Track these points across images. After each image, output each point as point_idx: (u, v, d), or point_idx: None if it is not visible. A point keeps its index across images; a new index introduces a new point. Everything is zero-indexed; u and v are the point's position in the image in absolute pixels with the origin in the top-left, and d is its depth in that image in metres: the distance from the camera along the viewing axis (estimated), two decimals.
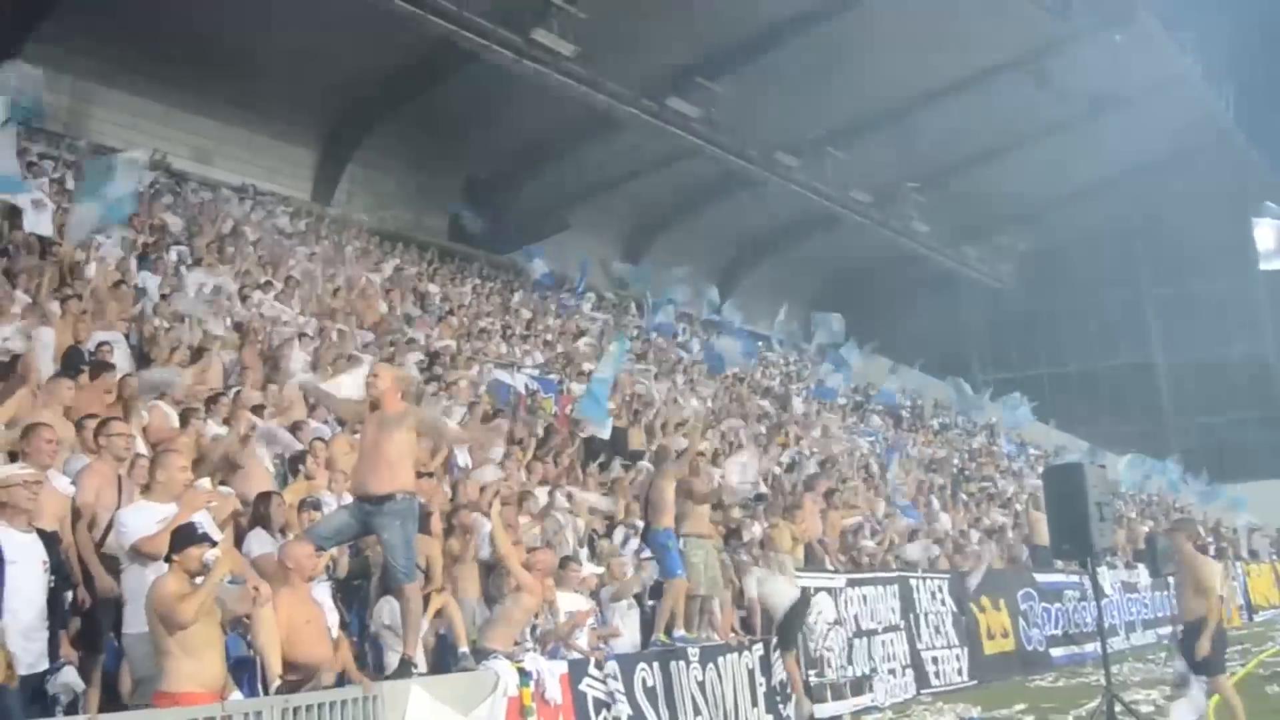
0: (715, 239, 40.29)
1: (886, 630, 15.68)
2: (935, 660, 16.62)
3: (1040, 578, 20.16)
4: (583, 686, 10.37)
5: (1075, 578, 20.32)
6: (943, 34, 30.41)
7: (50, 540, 7.23)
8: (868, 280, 45.53)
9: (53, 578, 7.13)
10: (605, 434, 17.38)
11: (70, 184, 17.86)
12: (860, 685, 14.66)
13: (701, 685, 11.95)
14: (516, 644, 10.07)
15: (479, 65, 26.75)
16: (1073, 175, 40.06)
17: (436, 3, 24.35)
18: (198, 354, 12.98)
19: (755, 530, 15.52)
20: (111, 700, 7.58)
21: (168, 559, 7.21)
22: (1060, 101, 34.72)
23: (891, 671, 15.52)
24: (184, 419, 10.56)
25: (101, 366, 10.90)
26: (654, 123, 30.64)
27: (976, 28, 30.57)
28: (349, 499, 9.28)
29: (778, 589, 13.52)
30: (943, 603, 17.31)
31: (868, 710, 14.48)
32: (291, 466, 11.29)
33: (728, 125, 31.78)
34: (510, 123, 29.95)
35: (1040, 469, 29.19)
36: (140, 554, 7.63)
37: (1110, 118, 35.81)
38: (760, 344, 34.32)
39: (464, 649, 9.53)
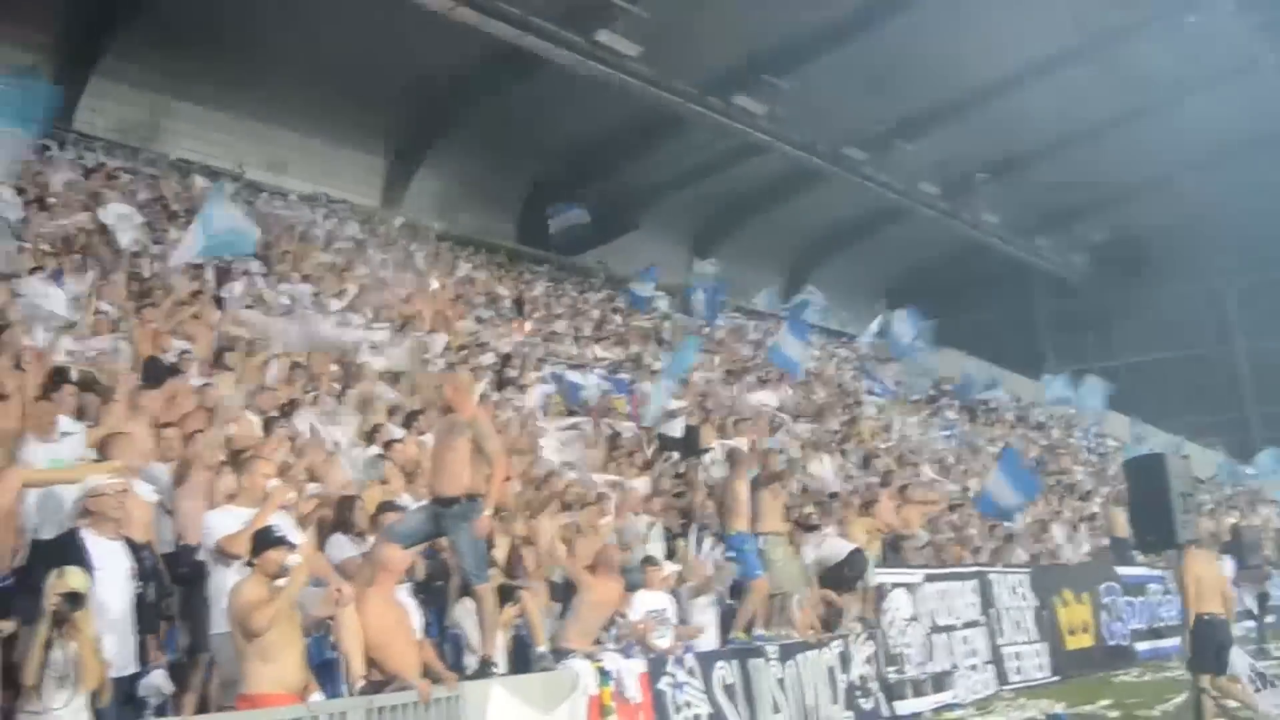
0: (784, 236, 40.08)
1: (966, 626, 15.51)
2: (1016, 656, 16.41)
3: (1123, 571, 19.84)
4: (662, 685, 10.37)
5: (1158, 571, 19.98)
6: (1011, 21, 29.99)
7: (136, 548, 7.38)
8: (938, 273, 45.02)
9: (139, 584, 7.27)
10: (676, 432, 17.39)
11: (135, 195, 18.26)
12: (941, 682, 14.53)
13: (781, 682, 11.91)
14: (597, 643, 10.09)
15: (544, 68, 26.87)
16: (1148, 163, 39.25)
17: (501, 7, 24.49)
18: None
19: (830, 528, 15.46)
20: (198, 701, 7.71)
21: (249, 563, 7.33)
22: (1133, 87, 34.11)
23: (972, 668, 15.35)
24: (267, 427, 10.72)
25: (180, 375, 11.10)
26: (720, 120, 30.56)
27: (1045, 14, 30.09)
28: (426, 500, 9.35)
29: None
30: (1023, 598, 17.09)
31: (949, 707, 14.34)
32: (367, 470, 11.39)
33: (794, 121, 31.61)
34: (577, 124, 30.07)
35: (1118, 461, 28.76)
36: (222, 554, 7.77)
37: (1185, 103, 35.10)
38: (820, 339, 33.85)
39: (543, 649, 9.57)
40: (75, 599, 6.27)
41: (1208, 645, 11.36)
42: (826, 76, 30.19)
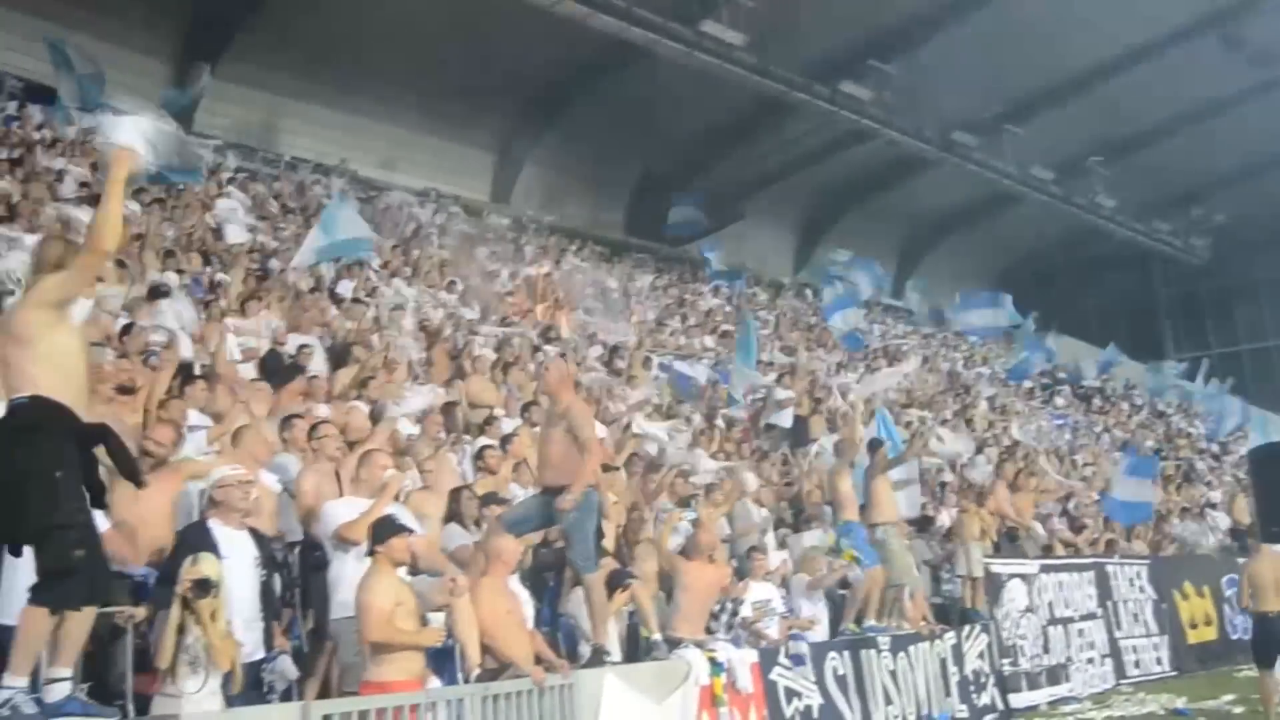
0: (892, 223, 39.66)
1: (1084, 618, 15.26)
2: (1134, 649, 16.12)
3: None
4: (773, 675, 10.39)
5: None
6: None
7: (260, 537, 7.60)
8: (1053, 259, 44.18)
9: (264, 572, 7.49)
10: (786, 422, 17.35)
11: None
12: (1056, 674, 14.33)
13: (893, 674, 11.86)
14: (709, 632, 10.13)
15: (650, 60, 26.93)
16: (1271, 141, 38.02)
17: (606, 1, 24.61)
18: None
19: (944, 518, 15.33)
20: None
21: (371, 552, 7.49)
22: (1255, 64, 33.05)
23: (1089, 661, 15.11)
24: (375, 418, 10.89)
25: (300, 370, 11.39)
26: (827, 108, 30.32)
27: None
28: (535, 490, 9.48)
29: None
30: (1141, 590, 16.75)
31: (1064, 701, 14.14)
32: (475, 462, 11.53)
33: (902, 107, 31.23)
34: (682, 115, 30.07)
35: (1242, 449, 27.95)
36: (342, 540, 7.97)
37: None
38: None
39: (656, 637, 9.65)
40: (207, 585, 6.49)
41: (1267, 642, 11.96)
42: (934, 60, 29.75)
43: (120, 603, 6.39)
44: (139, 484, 5.96)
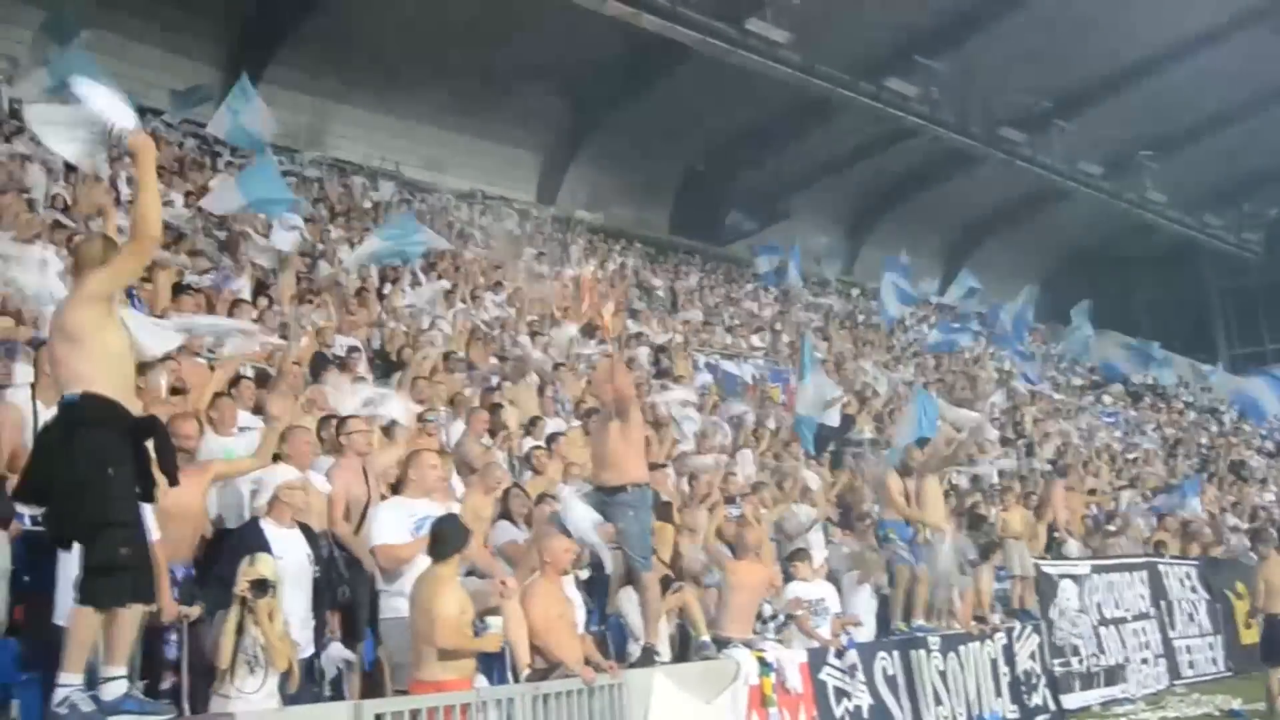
0: (939, 220, 39.40)
1: (1137, 618, 15.10)
2: (1188, 649, 15.92)
3: None
4: (823, 675, 10.34)
5: None
6: None
7: (311, 534, 7.65)
8: (1103, 255, 43.73)
9: (316, 568, 7.55)
10: (833, 421, 17.25)
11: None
12: (1111, 675, 14.19)
13: (943, 674, 11.76)
14: (756, 633, 10.10)
15: (695, 58, 26.94)
16: None
17: (652, 0, 24.64)
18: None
19: (993, 514, 15.22)
20: (370, 686, 7.93)
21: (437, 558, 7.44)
22: None
23: (1144, 661, 14.95)
24: (420, 418, 10.93)
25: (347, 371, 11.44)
26: (872, 105, 30.22)
27: None
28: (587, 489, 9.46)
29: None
30: (1194, 589, 16.55)
31: (1118, 701, 13.99)
32: (525, 462, 11.57)
33: (949, 103, 31.09)
34: (727, 113, 30.06)
35: None
36: (392, 560, 7.92)
37: None
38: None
39: (705, 638, 9.63)
40: (264, 585, 6.56)
41: (1276, 640, 12.50)
42: (981, 56, 29.58)
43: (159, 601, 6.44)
44: (174, 482, 6.00)
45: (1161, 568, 16.16)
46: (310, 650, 7.41)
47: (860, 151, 33.42)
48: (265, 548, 6.98)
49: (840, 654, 10.60)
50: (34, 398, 7.55)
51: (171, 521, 7.13)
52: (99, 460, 5.47)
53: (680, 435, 14.16)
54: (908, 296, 25.03)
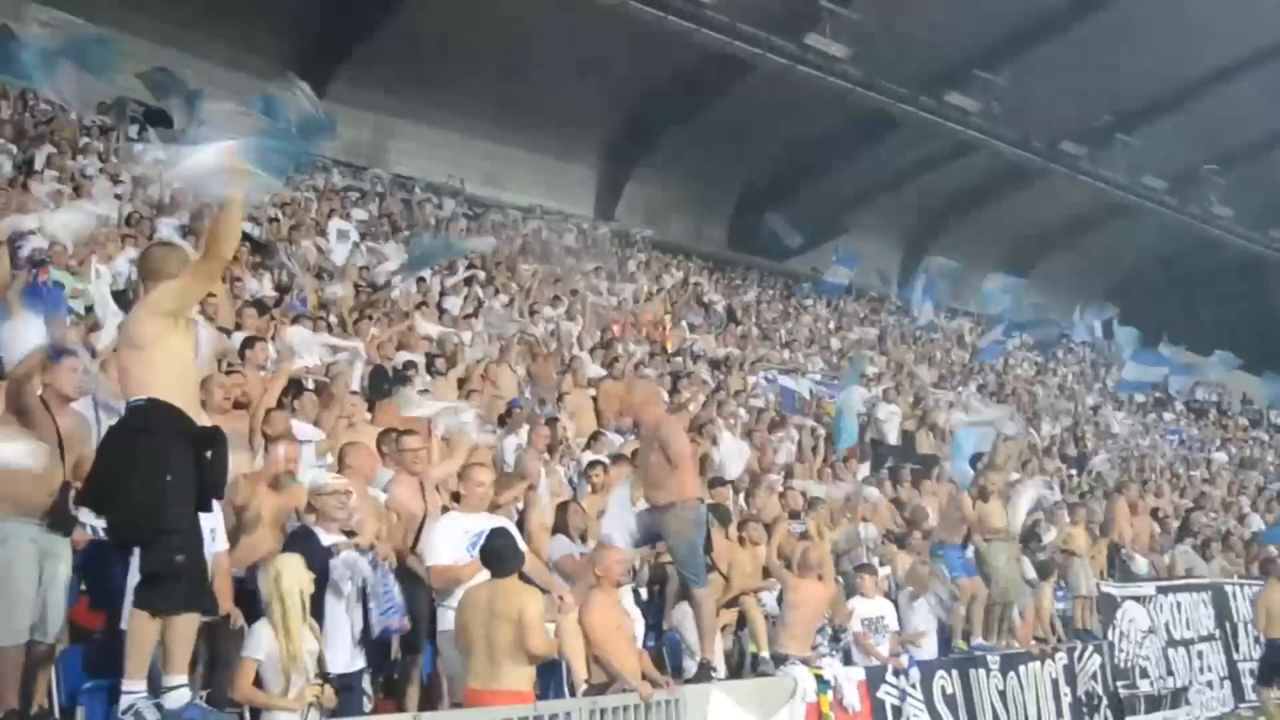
0: (1000, 236, 38.99)
1: (1202, 640, 14.86)
2: (1253, 672, 15.60)
3: None
4: (881, 694, 10.27)
5: None
6: (1236, 3, 28.55)
7: (360, 548, 7.68)
8: (1167, 270, 43.17)
9: (358, 582, 7.57)
10: (891, 438, 17.18)
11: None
12: (1176, 698, 13.97)
13: (1002, 694, 11.63)
14: (814, 649, 10.05)
15: (753, 73, 26.96)
16: None
17: (709, 16, 24.71)
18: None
19: (1052, 533, 15.04)
20: (428, 700, 7.96)
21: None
22: None
23: (1208, 684, 14.70)
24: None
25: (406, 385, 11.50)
26: (932, 119, 30.10)
27: None
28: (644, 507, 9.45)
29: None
30: None
31: None
32: (583, 476, 11.57)
33: (1009, 117, 30.86)
34: (786, 128, 30.01)
35: None
36: (447, 582, 7.94)
37: None
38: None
39: (764, 654, 9.60)
40: (285, 594, 6.53)
41: (1275, 664, 12.94)
42: (1041, 70, 29.33)
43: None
44: (219, 497, 6.07)
45: (1228, 588, 15.88)
46: (358, 664, 7.43)
47: (919, 166, 33.24)
48: (315, 553, 7.00)
49: (899, 673, 10.52)
50: (95, 406, 7.65)
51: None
52: (157, 467, 5.53)
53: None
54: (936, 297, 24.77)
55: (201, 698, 6.15)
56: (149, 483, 5.51)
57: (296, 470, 7.99)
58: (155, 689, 5.77)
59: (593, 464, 11.31)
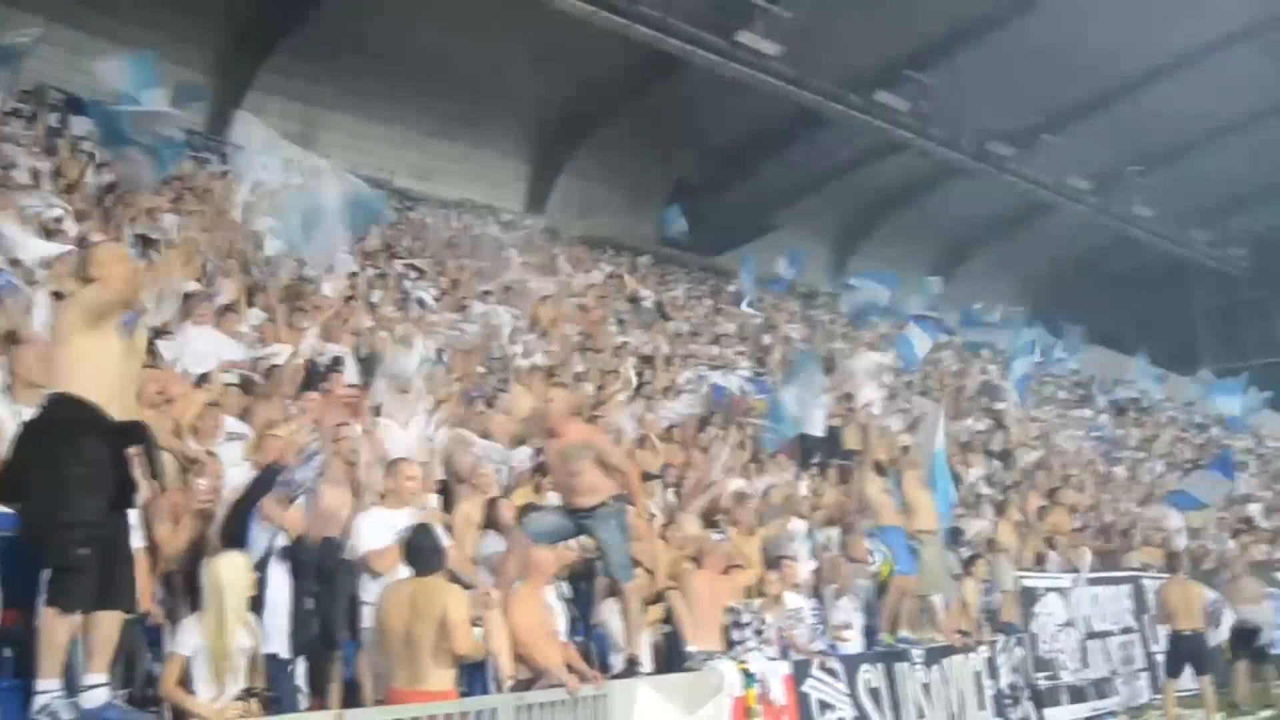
0: (928, 234, 39.49)
1: (1123, 632, 15.15)
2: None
3: None
4: (806, 688, 10.35)
5: None
6: (1163, 7, 29.10)
7: (293, 540, 7.63)
8: (1090, 270, 43.93)
9: (293, 576, 7.53)
10: (818, 430, 17.22)
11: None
12: (1098, 689, 14.24)
13: (926, 687, 11.78)
14: (738, 644, 10.09)
15: (685, 70, 27.02)
16: None
17: (642, 11, 24.73)
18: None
19: (974, 527, 15.26)
20: (352, 696, 7.90)
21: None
22: None
23: (1131, 675, 15.01)
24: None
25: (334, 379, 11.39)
26: (862, 118, 30.33)
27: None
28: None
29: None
30: None
31: (1103, 715, 14.04)
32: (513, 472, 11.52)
33: (938, 117, 31.21)
34: (718, 125, 30.15)
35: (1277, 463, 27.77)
36: (372, 571, 7.93)
37: None
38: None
39: (691, 648, 9.64)
40: (231, 591, 6.47)
41: (1176, 655, 13.78)
42: (970, 70, 29.67)
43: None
44: (162, 488, 6.02)
45: (1145, 582, 16.19)
46: (286, 654, 7.39)
47: (849, 165, 33.53)
48: (247, 545, 6.95)
49: (825, 667, 10.61)
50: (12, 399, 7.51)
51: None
52: (63, 459, 5.47)
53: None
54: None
55: (121, 697, 6.07)
56: (54, 475, 5.45)
57: (216, 500, 7.91)
58: (74, 688, 5.68)
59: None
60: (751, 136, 31.59)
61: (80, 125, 18.13)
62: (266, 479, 7.56)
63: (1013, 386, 24.61)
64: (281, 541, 7.46)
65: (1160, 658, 15.14)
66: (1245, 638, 14.30)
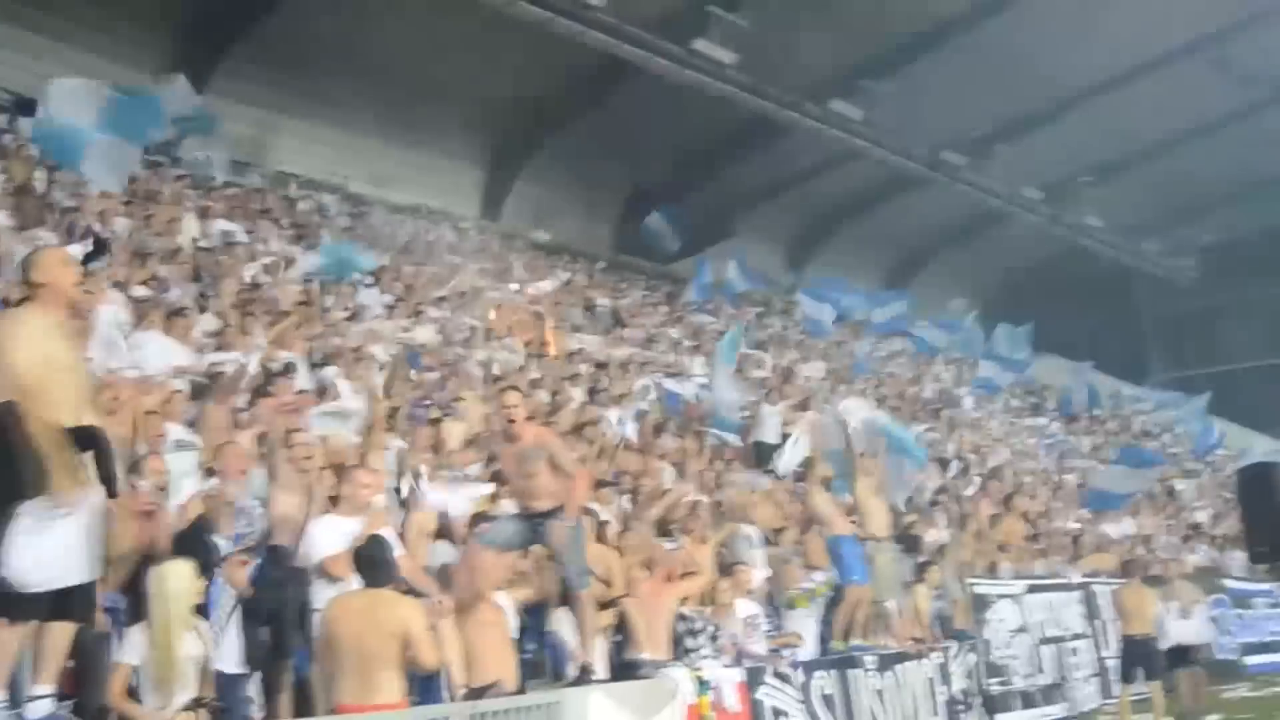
0: (882, 242, 39.75)
1: (1075, 638, 15.28)
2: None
3: (1231, 584, 19.33)
4: (760, 695, 10.37)
5: (1266, 584, 19.40)
6: (1115, 21, 29.47)
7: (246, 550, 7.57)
8: (1040, 278, 44.36)
9: (247, 587, 7.46)
10: (773, 437, 17.29)
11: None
12: (1051, 694, 14.36)
13: (880, 693, 11.83)
14: (691, 652, 10.09)
15: (642, 77, 27.04)
16: (1257, 163, 38.19)
17: (598, 18, 24.72)
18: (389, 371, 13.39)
19: (931, 535, 15.35)
20: (304, 705, 7.83)
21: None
22: (1244, 86, 33.24)
23: (1083, 680, 15.14)
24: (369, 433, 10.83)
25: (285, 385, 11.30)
26: (817, 126, 30.48)
27: (1152, 12, 29.49)
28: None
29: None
30: None
31: None
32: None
33: (893, 126, 31.41)
34: (674, 133, 30.18)
35: (1226, 470, 28.12)
36: (328, 575, 7.88)
37: None
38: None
39: (644, 656, 9.62)
40: (178, 599, 6.38)
41: (1130, 659, 13.69)
42: (924, 81, 29.91)
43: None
44: (113, 494, 5.91)
45: (1095, 587, 16.34)
46: (236, 669, 7.32)
47: (804, 173, 33.65)
48: (203, 554, 6.88)
49: (779, 674, 10.63)
50: None
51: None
52: (12, 466, 5.38)
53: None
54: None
55: (66, 707, 5.99)
56: (4, 484, 5.36)
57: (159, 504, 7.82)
58: (18, 699, 5.59)
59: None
60: (708, 144, 31.69)
61: (29, 127, 17.90)
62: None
63: (976, 389, 24.75)
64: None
65: (1111, 663, 15.29)
66: (1179, 653, 14.36)
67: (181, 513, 7.97)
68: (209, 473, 8.64)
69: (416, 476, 9.09)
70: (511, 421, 8.85)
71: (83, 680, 6.56)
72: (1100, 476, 18.04)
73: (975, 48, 29.35)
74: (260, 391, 10.74)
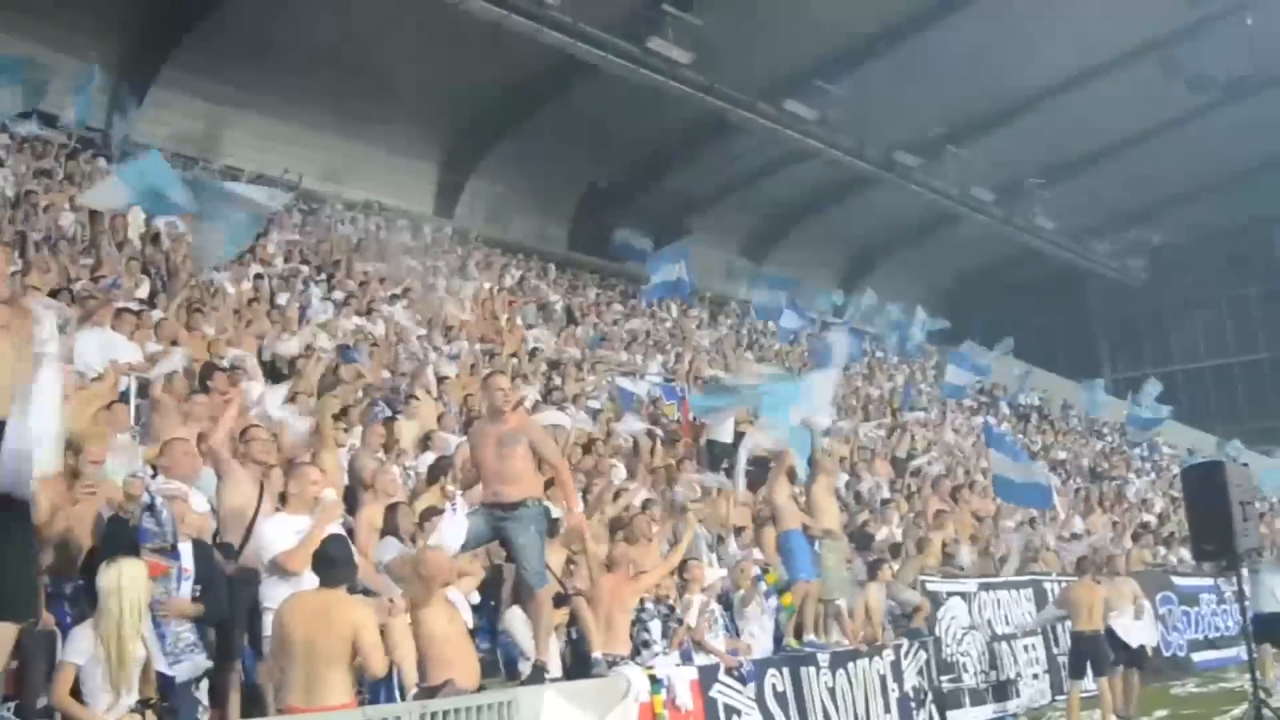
0: (835, 242, 40.00)
1: (1026, 635, 15.40)
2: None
3: (1179, 581, 19.57)
4: (713, 693, 10.37)
5: (1211, 581, 19.65)
6: (1066, 24, 29.81)
7: (200, 550, 7.46)
8: (992, 279, 44.79)
9: (198, 586, 7.35)
10: (727, 437, 17.28)
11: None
12: (1002, 691, 14.47)
13: (832, 691, 11.86)
14: (646, 646, 10.07)
15: (597, 76, 27.03)
16: (1207, 165, 38.73)
17: (554, 16, 24.68)
18: (333, 369, 13.27)
19: (884, 533, 15.42)
20: (253, 705, 7.75)
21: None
22: (1193, 89, 33.64)
23: (1034, 676, 15.26)
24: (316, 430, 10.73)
25: (232, 382, 11.17)
26: (771, 126, 30.61)
27: (1102, 15, 29.82)
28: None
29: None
30: None
31: (1005, 718, 14.26)
32: (431, 476, 11.37)
33: (846, 126, 31.62)
34: (629, 131, 30.21)
35: (1174, 469, 28.46)
36: (282, 570, 7.80)
37: (1247, 103, 34.47)
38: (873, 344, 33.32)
39: (597, 654, 9.58)
40: (112, 595, 6.28)
41: (1079, 655, 13.79)
42: (878, 81, 30.12)
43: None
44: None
45: (1047, 585, 16.46)
46: (196, 673, 7.23)
47: (759, 172, 33.81)
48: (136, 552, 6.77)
49: (733, 673, 10.64)
50: None
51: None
52: None
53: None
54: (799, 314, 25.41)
55: (9, 709, 5.88)
56: None
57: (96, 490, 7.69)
58: None
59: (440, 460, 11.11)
60: (663, 143, 31.75)
61: None
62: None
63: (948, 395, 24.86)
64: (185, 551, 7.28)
65: (1063, 660, 15.44)
66: (1119, 646, 14.47)
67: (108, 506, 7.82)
68: (154, 470, 8.51)
69: (452, 500, 8.96)
70: (504, 406, 8.83)
71: (24, 680, 6.47)
72: (999, 464, 17.83)
73: (928, 50, 29.53)
74: (202, 388, 10.63)
